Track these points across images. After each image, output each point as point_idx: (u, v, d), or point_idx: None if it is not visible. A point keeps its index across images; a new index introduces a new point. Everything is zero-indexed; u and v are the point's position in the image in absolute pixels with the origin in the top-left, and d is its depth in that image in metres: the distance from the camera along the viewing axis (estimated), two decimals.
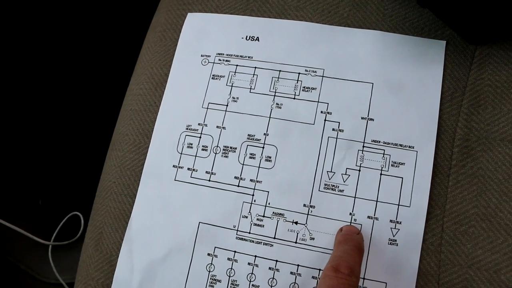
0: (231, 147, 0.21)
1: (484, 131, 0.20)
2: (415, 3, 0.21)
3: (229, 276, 0.20)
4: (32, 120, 0.36)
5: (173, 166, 0.21)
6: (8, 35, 0.34)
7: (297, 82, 0.21)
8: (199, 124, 0.22)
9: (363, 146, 0.20)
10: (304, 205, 0.20)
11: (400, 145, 0.20)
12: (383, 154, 0.20)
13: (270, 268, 0.19)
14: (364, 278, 0.19)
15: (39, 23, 0.35)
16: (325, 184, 0.20)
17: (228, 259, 0.20)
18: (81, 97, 0.37)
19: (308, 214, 0.20)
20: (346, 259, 0.17)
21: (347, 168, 0.20)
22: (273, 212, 0.20)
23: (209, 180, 0.21)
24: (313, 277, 0.19)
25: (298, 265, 0.19)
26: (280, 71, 0.22)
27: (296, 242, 0.19)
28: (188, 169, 0.21)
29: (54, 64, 0.36)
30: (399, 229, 0.19)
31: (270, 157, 0.21)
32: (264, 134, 0.21)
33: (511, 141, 0.19)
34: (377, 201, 0.19)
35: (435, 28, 0.21)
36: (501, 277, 0.18)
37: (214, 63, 0.22)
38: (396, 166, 0.20)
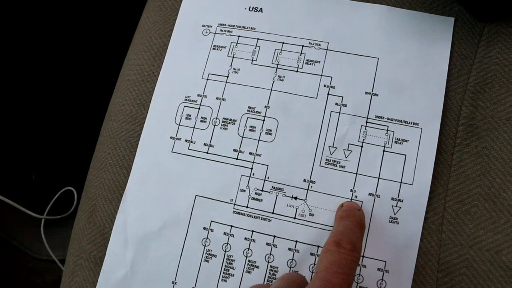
0: (230, 119, 0.20)
1: (490, 110, 0.19)
2: None
3: (225, 251, 0.19)
4: (25, 94, 0.36)
5: (171, 137, 0.21)
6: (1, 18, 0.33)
7: (301, 55, 0.21)
8: (198, 95, 0.21)
9: (367, 122, 0.19)
10: (304, 180, 0.19)
11: (405, 121, 0.19)
12: (387, 130, 0.19)
13: (267, 244, 0.19)
14: (363, 256, 0.18)
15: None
16: (326, 159, 0.19)
17: (224, 233, 0.19)
18: (75, 70, 0.37)
19: (308, 190, 0.19)
20: (348, 234, 0.16)
21: (349, 144, 0.19)
22: (272, 187, 0.19)
23: (207, 153, 0.20)
24: (311, 253, 0.19)
25: (296, 241, 0.19)
26: (283, 43, 0.21)
27: (295, 218, 0.19)
28: (186, 140, 0.21)
29: (49, 33, 0.35)
30: (400, 207, 0.18)
31: (270, 130, 0.20)
32: (265, 106, 0.20)
33: None
34: (379, 178, 0.19)
35: (443, 4, 0.20)
36: (502, 258, 0.18)
37: (215, 33, 0.22)
38: (400, 143, 0.19)
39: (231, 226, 0.19)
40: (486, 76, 0.20)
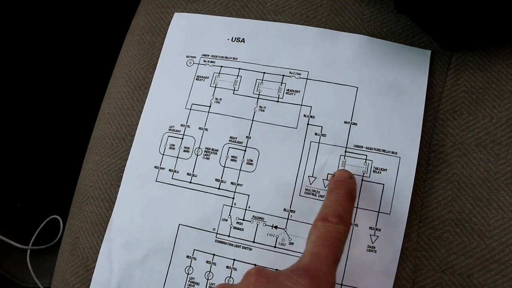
0: (212, 149, 0.21)
1: (460, 136, 0.20)
2: (393, 9, 0.21)
3: (207, 279, 0.20)
4: (10, 123, 0.36)
5: (155, 167, 0.21)
6: None
7: (281, 85, 0.21)
8: (181, 125, 0.21)
9: (346, 151, 0.20)
10: (284, 209, 0.20)
11: (383, 150, 0.20)
12: (366, 159, 0.20)
13: None
14: (341, 284, 0.19)
15: (18, 24, 0.34)
16: (306, 189, 0.20)
17: (207, 262, 0.20)
18: (59, 101, 0.37)
19: (288, 219, 0.20)
20: (334, 208, 0.17)
21: (328, 174, 0.20)
22: (253, 216, 0.20)
23: (190, 182, 0.21)
24: None
25: (276, 270, 0.19)
26: (264, 73, 0.22)
27: (275, 247, 0.19)
28: (170, 170, 0.21)
29: (32, 66, 0.36)
30: (378, 236, 0.19)
31: (251, 160, 0.21)
32: (247, 137, 0.21)
33: (485, 147, 0.20)
34: (357, 207, 0.19)
35: (412, 34, 0.21)
36: (473, 281, 0.18)
37: (199, 64, 0.22)
38: (378, 172, 0.20)
39: (214, 254, 0.20)
40: (455, 103, 0.21)
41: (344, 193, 0.18)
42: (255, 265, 0.19)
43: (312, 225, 0.17)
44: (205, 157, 0.21)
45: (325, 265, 0.15)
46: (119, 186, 0.21)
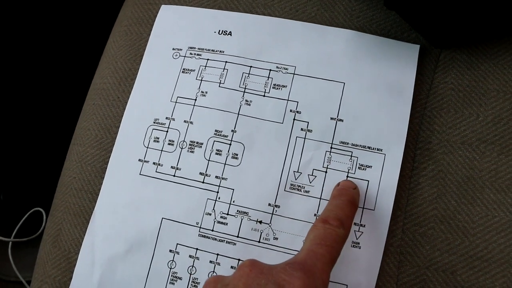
0: (197, 142, 0.21)
1: (446, 134, 0.20)
2: (383, 5, 0.21)
3: (190, 274, 0.19)
4: None
5: (139, 160, 0.21)
6: None
7: (268, 79, 0.21)
8: (166, 118, 0.21)
9: (331, 148, 0.20)
10: (269, 204, 0.20)
11: (369, 147, 0.20)
12: (351, 156, 0.20)
13: (232, 267, 0.19)
14: None
15: (3, 14, 0.33)
16: (291, 184, 0.20)
17: (190, 256, 0.19)
18: (44, 91, 0.36)
19: (272, 214, 0.19)
20: (336, 212, 0.17)
21: (313, 169, 0.20)
22: (237, 210, 0.20)
23: (174, 176, 0.20)
24: None
25: None
26: (251, 67, 0.21)
27: (259, 242, 0.19)
28: (154, 163, 0.21)
29: (17, 57, 0.35)
30: (362, 232, 0.19)
31: (236, 154, 0.20)
32: (232, 130, 0.21)
33: (471, 145, 0.20)
34: None
35: (401, 31, 0.21)
36: (457, 278, 0.18)
37: (185, 56, 0.22)
38: (363, 168, 0.19)
39: (197, 249, 0.19)
40: (442, 101, 0.21)
41: (347, 200, 0.18)
42: (239, 260, 0.19)
43: (312, 226, 0.17)
44: (190, 150, 0.21)
45: (321, 263, 0.15)
46: (103, 178, 0.21)
